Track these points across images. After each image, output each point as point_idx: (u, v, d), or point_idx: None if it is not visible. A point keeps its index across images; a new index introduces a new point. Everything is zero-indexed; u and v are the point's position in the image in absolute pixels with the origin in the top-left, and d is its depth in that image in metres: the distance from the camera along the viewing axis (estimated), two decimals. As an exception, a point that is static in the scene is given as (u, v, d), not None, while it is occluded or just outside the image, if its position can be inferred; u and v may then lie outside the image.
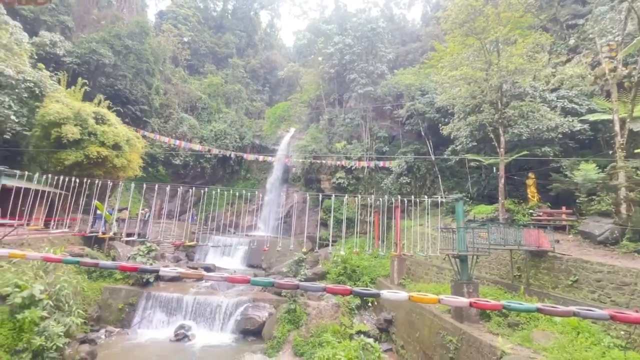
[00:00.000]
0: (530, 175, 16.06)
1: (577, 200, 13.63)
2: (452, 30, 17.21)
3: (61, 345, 10.28)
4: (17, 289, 10.22)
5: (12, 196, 13.24)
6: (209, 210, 25.65)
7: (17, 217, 14.01)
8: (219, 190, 16.94)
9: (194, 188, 20.22)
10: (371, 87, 27.27)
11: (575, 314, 3.29)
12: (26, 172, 13.70)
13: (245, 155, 31.59)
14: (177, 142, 30.18)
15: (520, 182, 16.88)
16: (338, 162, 26.01)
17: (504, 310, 9.73)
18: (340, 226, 19.19)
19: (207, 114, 39.41)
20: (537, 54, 16.26)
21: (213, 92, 41.69)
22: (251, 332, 14.41)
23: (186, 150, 32.31)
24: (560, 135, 15.66)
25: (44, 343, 9.76)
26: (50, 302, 10.81)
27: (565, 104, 16.43)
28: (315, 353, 10.63)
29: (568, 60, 18.51)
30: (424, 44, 33.96)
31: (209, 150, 31.84)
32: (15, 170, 13.37)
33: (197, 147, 30.93)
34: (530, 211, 15.07)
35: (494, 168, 17.36)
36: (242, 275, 4.41)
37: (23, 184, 14.06)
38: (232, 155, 31.93)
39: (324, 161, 26.94)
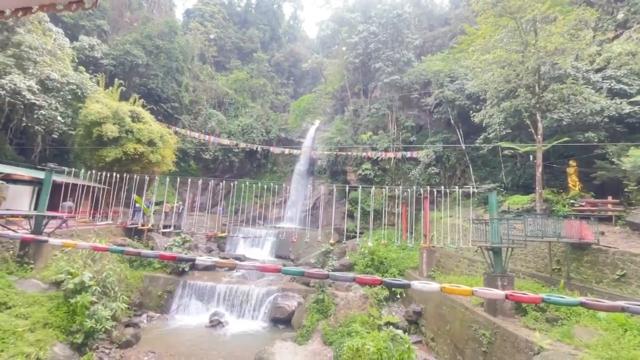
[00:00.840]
0: (572, 163, 15.04)
1: (625, 189, 12.62)
2: (484, 10, 16.33)
3: (109, 328, 11.23)
4: (69, 276, 11.18)
5: (62, 191, 14.41)
6: (238, 203, 26.44)
7: (66, 210, 15.24)
8: (247, 183, 17.40)
9: (224, 181, 20.90)
10: (397, 76, 26.54)
11: (623, 309, 3.08)
12: (73, 169, 14.86)
13: (271, 149, 32.15)
14: (207, 137, 31.22)
15: (560, 171, 15.86)
16: (364, 154, 25.71)
17: (542, 305, 9.34)
18: (367, 218, 19.08)
19: (234, 109, 40.34)
20: (579, 32, 15.05)
21: (239, 87, 42.53)
22: (281, 320, 14.87)
23: (215, 145, 33.37)
24: (606, 119, 14.46)
25: (94, 325, 10.66)
26: (98, 289, 11.75)
27: (612, 84, 15.10)
28: (344, 342, 10.75)
29: (616, 37, 16.97)
30: (453, 27, 32.39)
31: (237, 145, 32.68)
32: (63, 167, 14.55)
33: (225, 141, 31.85)
34: (572, 201, 14.15)
35: (531, 156, 16.41)
36: (273, 264, 4.54)
37: (71, 180, 15.24)
38: (259, 149, 32.62)
39: (349, 153, 26.74)
